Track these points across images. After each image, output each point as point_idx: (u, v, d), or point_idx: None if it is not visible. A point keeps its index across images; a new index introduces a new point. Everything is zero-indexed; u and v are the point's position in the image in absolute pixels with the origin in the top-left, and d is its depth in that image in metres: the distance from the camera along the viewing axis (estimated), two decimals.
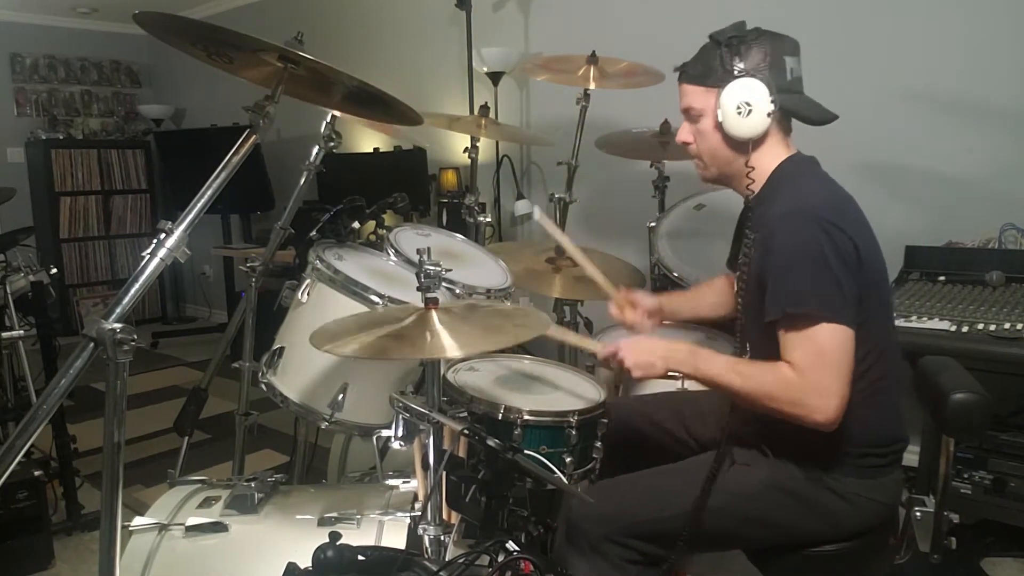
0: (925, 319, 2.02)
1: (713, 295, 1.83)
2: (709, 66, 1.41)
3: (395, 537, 1.46)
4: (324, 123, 2.09)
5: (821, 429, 1.29)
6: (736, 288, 1.59)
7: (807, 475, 1.40)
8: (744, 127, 1.39)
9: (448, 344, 1.31)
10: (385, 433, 1.50)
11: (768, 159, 1.44)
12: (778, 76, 1.39)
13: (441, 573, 1.10)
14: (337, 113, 2.05)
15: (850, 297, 1.29)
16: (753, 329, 1.44)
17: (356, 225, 2.04)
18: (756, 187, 1.45)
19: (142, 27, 1.28)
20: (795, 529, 1.42)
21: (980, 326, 1.94)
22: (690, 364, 1.41)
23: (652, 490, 1.49)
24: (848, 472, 1.39)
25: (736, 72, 1.38)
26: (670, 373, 1.45)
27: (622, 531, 1.42)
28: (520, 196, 3.89)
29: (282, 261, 2.24)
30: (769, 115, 1.38)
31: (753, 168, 1.44)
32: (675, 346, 1.45)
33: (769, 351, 1.35)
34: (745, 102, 1.37)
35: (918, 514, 1.37)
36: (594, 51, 2.62)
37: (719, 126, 1.42)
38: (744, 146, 1.43)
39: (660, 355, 1.43)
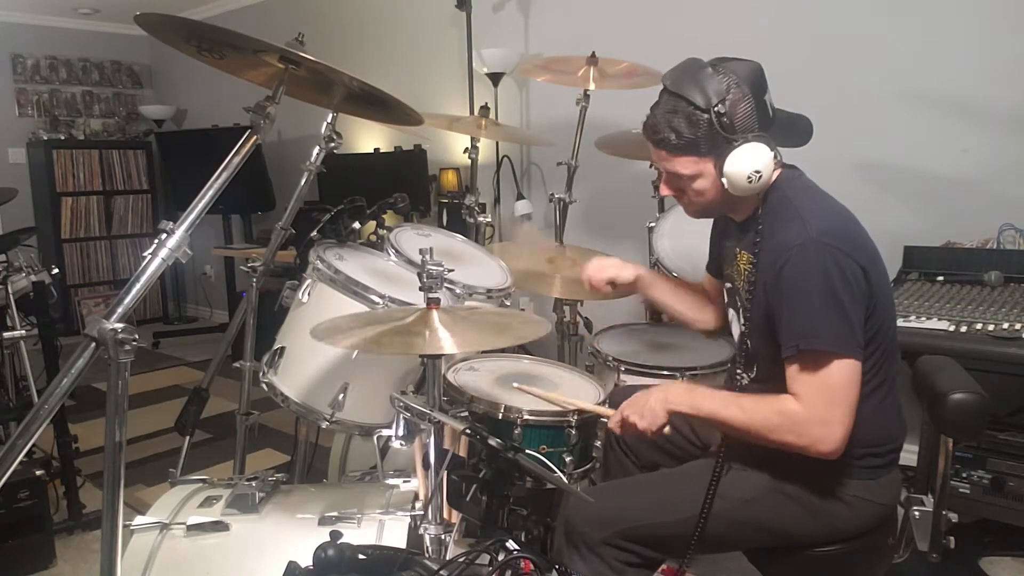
0: (924, 319, 2.02)
1: (697, 299, 1.80)
2: (697, 135, 1.35)
3: (396, 536, 1.47)
4: (325, 123, 2.10)
5: (824, 458, 1.29)
6: (727, 301, 1.58)
7: (806, 479, 1.39)
8: (754, 188, 1.36)
9: (446, 341, 1.32)
10: (386, 432, 1.51)
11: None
12: (765, 121, 1.37)
13: (442, 572, 1.10)
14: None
15: (858, 327, 1.29)
16: (762, 351, 1.43)
17: (357, 225, 2.04)
18: (751, 209, 1.45)
19: (144, 29, 1.28)
20: (794, 532, 1.42)
21: (979, 326, 1.94)
22: (688, 402, 1.41)
23: (652, 495, 1.49)
24: (847, 474, 1.39)
25: (732, 141, 1.33)
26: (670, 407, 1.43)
27: (621, 535, 1.42)
28: (520, 196, 3.90)
29: (283, 261, 2.24)
30: (775, 169, 1.37)
31: (755, 203, 1.43)
32: (672, 388, 1.45)
33: (779, 371, 1.35)
34: (755, 171, 1.33)
35: (917, 513, 1.38)
36: (594, 52, 2.63)
37: (724, 190, 1.38)
38: (750, 198, 1.42)
39: (658, 399, 1.42)
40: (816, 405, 1.28)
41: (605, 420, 1.58)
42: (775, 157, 1.35)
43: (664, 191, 1.50)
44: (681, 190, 1.46)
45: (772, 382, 1.38)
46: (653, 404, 1.42)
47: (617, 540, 1.42)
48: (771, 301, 1.35)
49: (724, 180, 1.36)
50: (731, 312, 1.56)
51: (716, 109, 1.32)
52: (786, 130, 1.45)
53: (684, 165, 1.40)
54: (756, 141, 1.33)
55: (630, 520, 1.43)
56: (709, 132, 1.34)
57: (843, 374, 1.28)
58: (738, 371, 1.52)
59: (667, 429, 1.45)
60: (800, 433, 1.29)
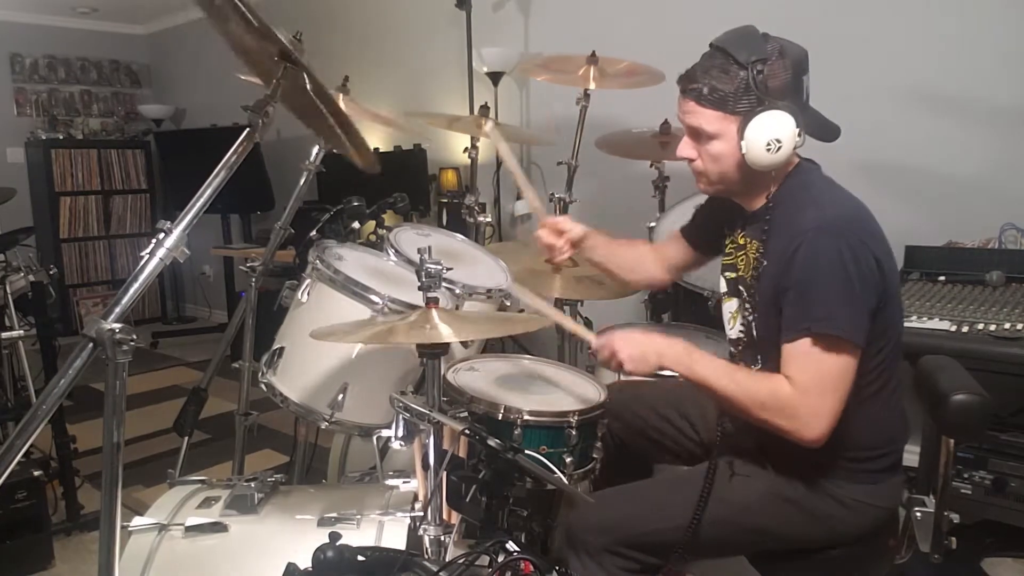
0: (925, 319, 2.02)
1: (632, 259, 1.83)
2: (729, 89, 1.33)
3: (395, 537, 1.46)
4: None
5: (806, 445, 1.29)
6: (726, 291, 1.57)
7: (808, 483, 1.39)
8: (770, 161, 1.34)
9: (446, 332, 1.32)
10: (385, 433, 1.50)
11: (781, 171, 1.41)
12: (798, 101, 1.35)
13: (441, 573, 1.10)
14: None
15: (867, 318, 1.28)
16: (769, 340, 1.41)
17: (356, 225, 2.04)
18: (767, 196, 1.43)
19: None
20: (797, 537, 1.42)
21: (980, 326, 1.93)
22: (684, 364, 1.39)
23: (653, 501, 1.48)
24: (851, 479, 1.38)
25: (763, 103, 1.31)
26: (663, 371, 1.44)
27: (621, 542, 1.41)
28: (520, 196, 3.89)
29: (282, 261, 2.24)
30: (796, 148, 1.34)
31: (769, 186, 1.42)
32: (671, 343, 1.43)
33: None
34: (776, 139, 1.31)
35: (918, 514, 1.37)
36: (594, 51, 2.62)
37: (741, 157, 1.35)
38: (764, 174, 1.39)
39: (654, 350, 1.41)
40: (810, 391, 1.28)
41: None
42: (798, 135, 1.32)
43: (681, 151, 1.46)
44: (698, 152, 1.43)
45: (775, 370, 1.36)
46: (648, 353, 1.41)
47: (618, 547, 1.41)
48: (780, 286, 1.33)
49: (743, 144, 1.33)
50: (732, 302, 1.54)
51: (754, 68, 1.31)
52: (816, 123, 1.43)
53: (709, 120, 1.37)
54: (784, 110, 1.31)
55: (631, 527, 1.42)
56: (742, 89, 1.33)
57: (844, 363, 1.27)
58: (739, 363, 1.52)
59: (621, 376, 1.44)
60: (789, 416, 1.29)
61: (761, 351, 1.45)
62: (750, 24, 1.39)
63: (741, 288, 1.50)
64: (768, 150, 1.32)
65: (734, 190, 1.48)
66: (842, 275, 1.26)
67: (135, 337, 1.09)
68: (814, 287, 1.28)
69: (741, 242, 1.50)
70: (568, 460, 1.63)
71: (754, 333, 1.46)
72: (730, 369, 1.40)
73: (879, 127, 2.71)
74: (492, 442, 1.24)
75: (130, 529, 1.47)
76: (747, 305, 1.48)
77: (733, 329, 1.54)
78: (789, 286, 1.31)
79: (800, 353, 1.29)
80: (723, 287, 1.58)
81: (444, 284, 1.58)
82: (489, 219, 3.02)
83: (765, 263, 1.40)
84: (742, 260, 1.50)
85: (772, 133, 1.31)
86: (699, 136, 1.41)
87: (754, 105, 1.32)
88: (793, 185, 1.41)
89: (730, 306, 1.55)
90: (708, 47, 1.40)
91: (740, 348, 1.51)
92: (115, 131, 6.23)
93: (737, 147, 1.35)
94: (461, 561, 1.12)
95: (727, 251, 1.55)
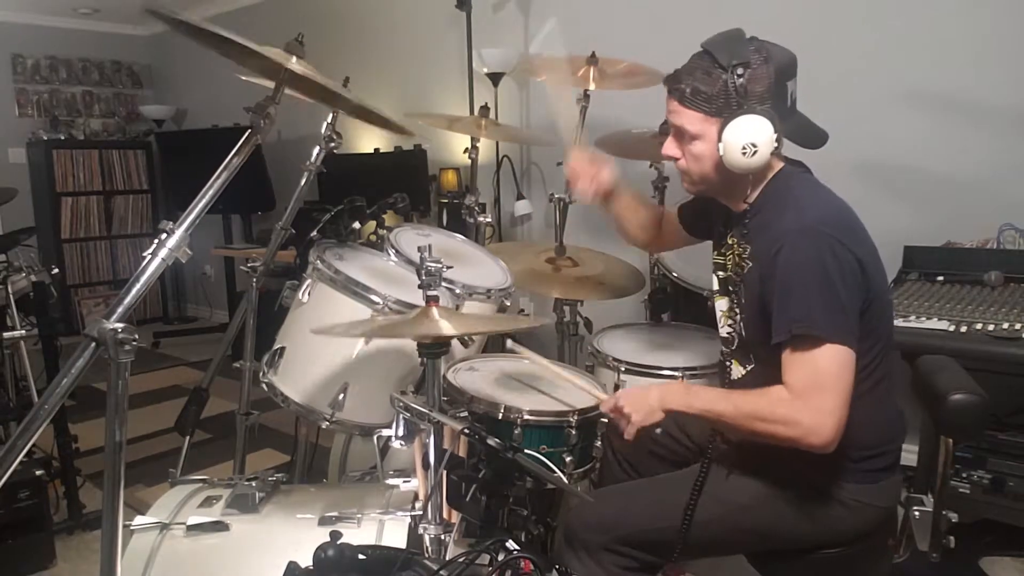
0: (924, 319, 2.02)
1: (645, 223, 1.85)
2: (710, 91, 1.35)
3: (395, 536, 1.47)
4: (325, 123, 2.10)
5: (817, 451, 1.27)
6: (717, 290, 1.58)
7: (807, 484, 1.39)
8: (747, 164, 1.35)
9: (444, 326, 1.33)
10: (386, 432, 1.51)
11: (762, 174, 1.42)
12: (780, 105, 1.36)
13: (441, 572, 1.10)
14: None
15: (852, 317, 1.28)
16: (757, 341, 1.42)
17: (357, 225, 2.04)
18: (750, 199, 1.45)
19: (154, 16, 1.27)
20: (795, 536, 1.42)
21: (979, 326, 1.94)
22: (684, 401, 1.41)
23: (651, 500, 1.49)
24: (848, 478, 1.38)
25: (742, 107, 1.33)
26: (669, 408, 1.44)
27: (620, 540, 1.42)
28: (520, 196, 3.90)
29: (283, 261, 2.24)
30: (773, 153, 1.35)
31: (748, 189, 1.43)
32: (669, 387, 1.45)
33: (774, 360, 1.34)
34: (751, 143, 1.32)
35: (917, 513, 1.38)
36: (594, 52, 2.63)
37: (719, 158, 1.37)
38: (743, 177, 1.41)
39: (656, 398, 1.42)
40: (805, 392, 1.27)
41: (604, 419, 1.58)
42: (776, 139, 1.33)
43: (666, 149, 1.48)
44: (681, 152, 1.45)
45: (768, 372, 1.37)
46: (651, 401, 1.42)
47: (616, 546, 1.42)
48: (766, 289, 1.34)
49: (720, 147, 1.35)
50: (723, 301, 1.55)
51: (735, 72, 1.33)
52: (802, 130, 1.45)
53: (690, 120, 1.40)
54: (762, 115, 1.32)
55: (629, 525, 1.43)
56: (721, 92, 1.34)
57: (835, 361, 1.26)
58: (731, 362, 1.52)
59: (658, 430, 1.44)
60: (790, 423, 1.27)
61: (753, 351, 1.46)
62: (739, 27, 1.40)
63: (730, 287, 1.51)
64: (744, 154, 1.33)
65: (716, 190, 1.50)
66: (821, 276, 1.27)
67: (137, 337, 1.10)
68: (793, 289, 1.29)
69: (730, 242, 1.52)
70: (568, 459, 1.63)
71: (743, 333, 1.47)
72: (727, 394, 1.42)
73: (878, 128, 2.71)
74: (492, 441, 1.25)
75: (132, 528, 1.48)
76: (735, 305, 1.49)
77: (723, 328, 1.55)
78: (773, 289, 1.32)
79: (789, 357, 1.30)
80: (715, 285, 1.59)
81: (444, 284, 1.59)
82: (489, 219, 3.02)
83: (750, 264, 1.41)
84: (730, 260, 1.51)
85: (748, 137, 1.33)
86: (682, 136, 1.43)
87: (733, 108, 1.34)
88: (777, 188, 1.42)
89: (721, 304, 1.56)
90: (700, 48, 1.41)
91: (731, 348, 1.52)
92: (116, 132, 6.24)
93: (716, 149, 1.37)
94: (461, 560, 1.12)
95: (721, 250, 1.56)
